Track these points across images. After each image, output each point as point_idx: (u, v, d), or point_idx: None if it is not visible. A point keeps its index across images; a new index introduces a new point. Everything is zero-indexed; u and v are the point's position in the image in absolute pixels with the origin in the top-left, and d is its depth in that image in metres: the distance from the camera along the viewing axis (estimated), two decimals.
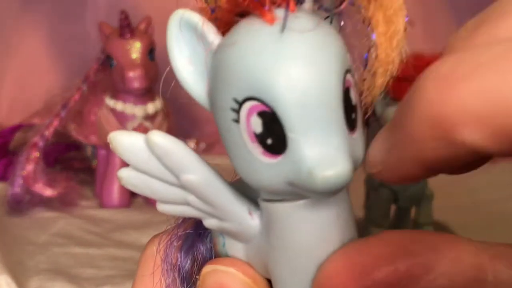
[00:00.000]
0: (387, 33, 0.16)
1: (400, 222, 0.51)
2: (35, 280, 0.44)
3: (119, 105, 0.63)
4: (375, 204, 0.48)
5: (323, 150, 0.14)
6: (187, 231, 0.20)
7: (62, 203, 0.61)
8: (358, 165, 0.16)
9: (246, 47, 0.15)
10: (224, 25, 0.16)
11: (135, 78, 0.60)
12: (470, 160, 0.14)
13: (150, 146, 0.17)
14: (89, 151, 0.69)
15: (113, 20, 0.63)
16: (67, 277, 0.44)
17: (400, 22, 0.16)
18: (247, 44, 0.15)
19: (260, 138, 0.15)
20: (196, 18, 0.15)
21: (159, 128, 0.65)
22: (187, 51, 0.16)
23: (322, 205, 0.16)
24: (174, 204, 0.18)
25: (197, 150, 0.80)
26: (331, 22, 0.16)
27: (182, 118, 0.85)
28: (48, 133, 0.60)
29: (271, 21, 0.14)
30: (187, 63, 0.16)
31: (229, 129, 0.15)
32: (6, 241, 0.50)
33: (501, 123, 0.13)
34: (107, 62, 0.63)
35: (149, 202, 0.66)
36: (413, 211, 0.49)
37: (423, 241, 0.16)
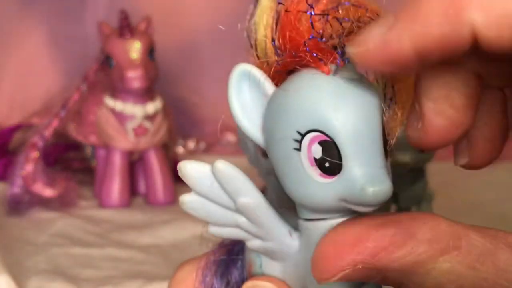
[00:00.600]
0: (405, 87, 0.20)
1: None
2: (34, 280, 0.44)
3: (118, 105, 0.63)
4: None
5: (371, 171, 0.19)
6: (222, 257, 0.23)
7: (61, 203, 0.61)
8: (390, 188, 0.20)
9: (307, 90, 0.19)
10: (278, 77, 0.20)
11: (135, 78, 0.60)
12: (464, 57, 0.17)
13: (214, 172, 0.20)
14: (88, 151, 0.69)
15: (113, 20, 0.63)
16: (66, 277, 0.44)
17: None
18: (308, 88, 0.19)
19: (319, 162, 0.19)
20: (258, 73, 0.20)
21: (159, 128, 0.65)
22: (248, 98, 0.20)
23: None
24: (223, 227, 0.21)
25: (197, 150, 0.80)
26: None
27: (182, 118, 0.86)
28: (48, 133, 0.60)
29: (328, 72, 0.19)
30: (243, 109, 0.20)
31: (289, 157, 0.19)
32: (5, 241, 0.50)
33: (506, 13, 0.15)
34: (106, 62, 0.63)
35: (149, 203, 0.66)
36: (413, 211, 0.49)
37: (405, 215, 0.19)
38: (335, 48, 0.19)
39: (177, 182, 0.68)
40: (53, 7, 0.86)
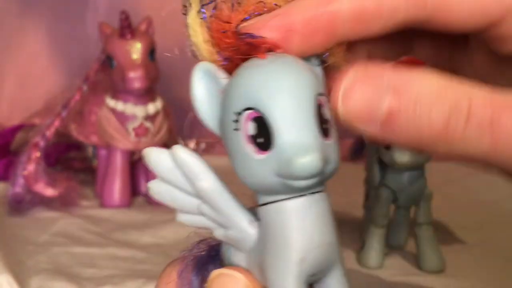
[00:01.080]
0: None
1: (399, 222, 0.51)
2: (35, 280, 0.44)
3: (119, 105, 0.63)
4: (374, 204, 0.48)
5: (300, 143, 0.19)
6: (200, 254, 0.24)
7: (62, 203, 0.61)
8: (334, 166, 0.20)
9: (244, 74, 0.20)
10: (233, 69, 0.21)
11: (135, 78, 0.60)
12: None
13: (173, 157, 0.21)
14: (89, 151, 0.69)
15: (114, 21, 0.64)
16: (67, 277, 0.44)
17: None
18: (245, 72, 0.20)
19: (254, 139, 0.20)
20: (212, 66, 0.21)
21: (160, 128, 0.65)
22: (205, 93, 0.21)
23: (307, 206, 0.20)
24: (191, 214, 0.22)
25: (197, 150, 0.81)
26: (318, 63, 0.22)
27: (182, 118, 0.86)
28: (49, 133, 0.60)
29: (263, 56, 0.20)
30: (205, 103, 0.21)
31: (233, 140, 0.20)
32: (6, 241, 0.50)
33: None
34: (107, 62, 0.63)
35: (150, 202, 0.66)
36: (412, 210, 0.49)
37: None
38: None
39: None
40: (54, 7, 0.86)
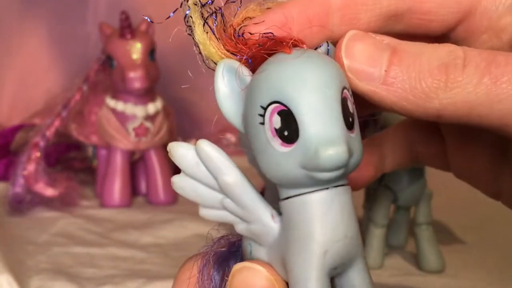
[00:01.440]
0: None
1: (399, 222, 0.51)
2: (35, 280, 0.44)
3: (119, 105, 0.63)
4: (374, 203, 0.48)
5: (326, 135, 0.19)
6: (222, 249, 0.24)
7: (62, 203, 0.61)
8: (357, 159, 0.21)
9: (270, 69, 0.20)
10: (257, 65, 0.21)
11: (135, 78, 0.60)
12: None
13: (198, 151, 0.21)
14: (89, 151, 0.69)
15: (114, 21, 0.64)
16: (67, 277, 0.44)
17: None
18: (271, 67, 0.20)
19: (279, 132, 0.20)
20: (236, 64, 0.21)
21: (160, 128, 0.65)
22: (228, 90, 0.21)
23: (330, 199, 0.20)
24: (213, 209, 0.22)
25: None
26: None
27: (183, 118, 0.86)
28: (49, 133, 0.60)
29: (289, 51, 0.20)
30: (228, 100, 0.21)
31: (257, 133, 0.20)
32: (6, 241, 0.50)
33: None
34: (107, 62, 0.63)
35: (150, 202, 0.66)
36: (412, 210, 0.49)
37: None
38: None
39: None
40: (54, 7, 0.86)
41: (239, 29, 0.21)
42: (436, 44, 0.20)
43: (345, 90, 0.20)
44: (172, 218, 0.58)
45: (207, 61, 0.22)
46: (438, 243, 0.48)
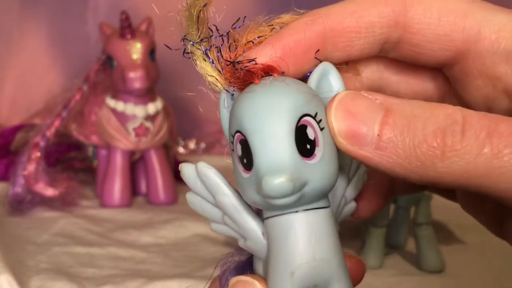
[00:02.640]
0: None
1: (399, 222, 0.51)
2: (36, 280, 0.44)
3: (119, 105, 0.63)
4: None
5: (271, 165, 0.20)
6: (241, 259, 0.25)
7: (63, 203, 0.62)
8: (317, 185, 0.21)
9: (238, 100, 0.22)
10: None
11: (136, 78, 0.60)
12: None
13: (197, 172, 0.23)
14: (90, 151, 0.69)
15: (114, 21, 0.64)
16: (67, 277, 0.44)
17: None
18: (239, 98, 0.22)
19: (241, 158, 0.21)
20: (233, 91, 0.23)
21: (160, 128, 0.65)
22: (227, 113, 0.23)
23: (294, 222, 0.21)
24: (219, 224, 0.24)
25: (197, 150, 0.80)
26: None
27: (183, 118, 0.86)
28: (49, 133, 0.61)
29: (257, 81, 0.21)
30: (226, 122, 0.23)
31: (232, 159, 0.22)
32: (7, 241, 0.50)
33: None
34: (107, 62, 0.63)
35: (150, 202, 0.66)
36: (412, 210, 0.49)
37: None
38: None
39: (178, 182, 0.68)
40: (54, 8, 0.86)
41: (234, 62, 0.22)
42: (434, 105, 0.19)
43: (307, 117, 0.21)
44: (172, 218, 0.59)
45: (210, 86, 0.23)
46: (438, 243, 0.48)
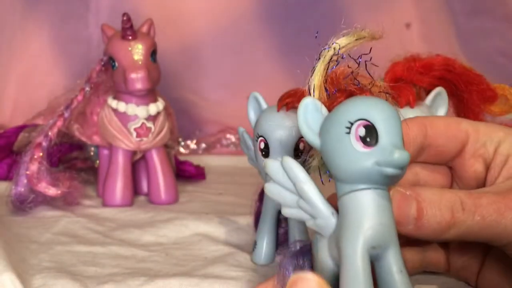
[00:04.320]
0: None
1: None
2: (38, 278, 0.44)
3: (121, 106, 0.64)
4: None
5: (396, 144, 0.29)
6: (296, 249, 0.33)
7: (65, 202, 0.62)
8: (405, 172, 0.30)
9: (355, 100, 0.30)
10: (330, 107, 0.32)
11: (137, 79, 0.61)
12: None
13: (283, 164, 0.31)
14: (92, 151, 0.70)
15: (116, 22, 0.64)
16: (70, 275, 0.45)
17: None
18: (355, 100, 0.30)
19: (363, 138, 0.29)
20: (318, 102, 0.31)
21: (161, 128, 0.66)
22: (308, 119, 0.31)
23: (378, 196, 0.29)
24: (291, 208, 0.31)
25: (198, 150, 0.80)
26: None
27: (184, 119, 0.86)
28: (52, 133, 0.61)
29: (367, 94, 0.32)
30: (307, 124, 0.31)
31: (341, 140, 0.29)
32: (9, 240, 0.51)
33: None
34: (109, 63, 0.63)
35: (151, 202, 0.67)
36: None
37: None
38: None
39: (179, 182, 0.69)
40: (56, 9, 0.87)
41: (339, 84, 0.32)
42: (441, 192, 0.32)
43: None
44: (173, 217, 0.59)
45: (312, 90, 0.32)
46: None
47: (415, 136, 0.34)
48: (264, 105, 0.46)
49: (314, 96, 0.32)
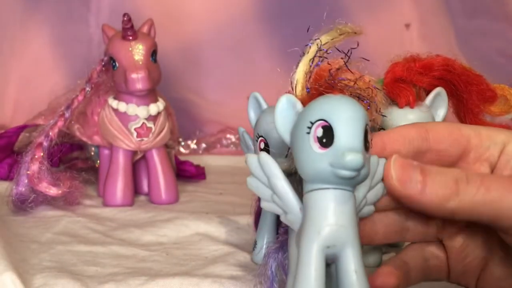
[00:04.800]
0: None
1: None
2: (39, 278, 0.44)
3: (121, 106, 0.64)
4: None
5: (351, 146, 0.29)
6: (276, 245, 0.35)
7: (66, 202, 0.62)
8: (366, 174, 0.30)
9: (321, 100, 0.30)
10: (305, 102, 0.32)
11: (138, 79, 0.61)
12: None
13: (259, 159, 0.31)
14: (92, 151, 0.70)
15: (116, 23, 0.64)
16: (70, 275, 0.45)
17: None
18: (322, 99, 0.30)
19: (320, 139, 0.29)
20: (293, 98, 0.31)
21: (161, 128, 0.66)
22: (284, 114, 0.31)
23: (338, 196, 0.30)
24: (268, 202, 0.32)
25: (198, 150, 0.80)
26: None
27: (184, 119, 0.86)
28: (53, 133, 0.61)
29: (337, 94, 0.31)
30: (283, 120, 0.31)
31: (303, 139, 0.30)
32: (10, 239, 0.51)
33: None
34: (110, 63, 0.64)
35: (152, 202, 0.67)
36: None
37: None
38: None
39: (179, 182, 0.69)
40: (57, 9, 0.87)
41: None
42: (446, 168, 0.32)
43: (367, 126, 0.30)
44: (174, 217, 0.59)
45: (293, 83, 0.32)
46: None
47: (412, 139, 0.34)
48: (264, 105, 0.46)
49: (296, 92, 0.32)
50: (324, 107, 0.30)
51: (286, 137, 0.31)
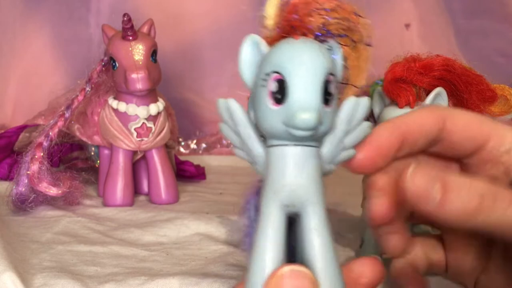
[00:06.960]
0: (356, 62, 0.30)
1: None
2: (39, 278, 0.44)
3: (121, 106, 0.64)
4: None
5: (304, 103, 0.26)
6: (253, 192, 0.33)
7: (66, 202, 0.62)
8: (327, 128, 0.27)
9: (279, 47, 0.27)
10: (272, 43, 0.28)
11: (138, 79, 0.61)
12: None
13: (228, 105, 0.28)
14: (92, 151, 0.70)
15: (116, 23, 0.64)
16: (70, 275, 0.45)
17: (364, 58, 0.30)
18: (279, 46, 0.27)
19: (273, 94, 0.26)
20: (258, 38, 0.28)
21: (161, 128, 0.66)
22: (249, 57, 0.28)
23: (297, 153, 0.27)
24: (239, 149, 0.30)
25: (198, 150, 0.80)
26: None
27: (184, 119, 0.86)
28: (53, 133, 0.61)
29: (296, 38, 0.27)
30: (247, 64, 0.28)
31: (259, 92, 0.27)
32: (10, 239, 0.51)
33: None
34: (110, 63, 0.64)
35: (152, 202, 0.67)
36: None
37: None
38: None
39: (179, 182, 0.69)
40: (57, 10, 0.87)
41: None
42: (473, 179, 0.28)
43: (331, 76, 0.27)
44: (173, 217, 0.59)
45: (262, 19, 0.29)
46: None
47: (429, 128, 0.32)
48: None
49: (267, 27, 0.29)
50: (279, 56, 0.27)
51: (248, 82, 0.29)
